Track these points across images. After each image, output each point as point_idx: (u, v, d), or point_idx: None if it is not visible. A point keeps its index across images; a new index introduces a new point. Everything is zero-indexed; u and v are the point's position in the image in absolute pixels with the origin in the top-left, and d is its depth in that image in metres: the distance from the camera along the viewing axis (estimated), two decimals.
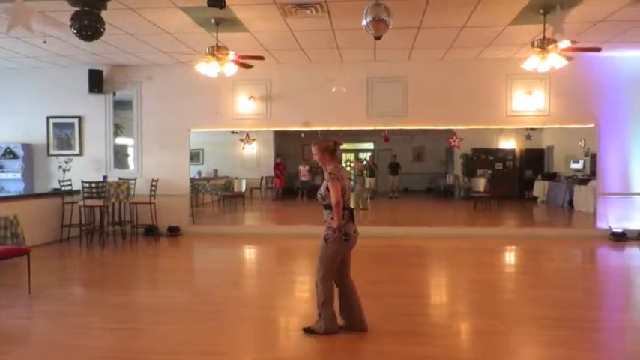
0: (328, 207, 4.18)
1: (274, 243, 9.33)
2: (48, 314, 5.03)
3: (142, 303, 5.55)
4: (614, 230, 9.08)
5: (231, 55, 7.26)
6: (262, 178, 17.49)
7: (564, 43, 6.69)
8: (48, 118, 10.18)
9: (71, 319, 4.85)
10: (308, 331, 4.29)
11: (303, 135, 17.04)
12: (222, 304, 5.32)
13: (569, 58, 7.02)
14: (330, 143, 4.32)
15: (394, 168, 17.98)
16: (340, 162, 4.37)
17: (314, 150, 4.30)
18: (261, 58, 7.61)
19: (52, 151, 10.21)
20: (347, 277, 4.37)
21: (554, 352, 4.02)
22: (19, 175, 10.17)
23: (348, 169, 20.21)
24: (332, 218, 4.14)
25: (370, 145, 21.18)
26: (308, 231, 9.74)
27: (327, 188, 4.14)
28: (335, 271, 4.27)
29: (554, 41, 6.67)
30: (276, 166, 17.85)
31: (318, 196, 4.28)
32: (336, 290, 4.35)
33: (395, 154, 18.40)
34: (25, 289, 5.59)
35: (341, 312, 4.37)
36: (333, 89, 9.36)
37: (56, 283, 6.40)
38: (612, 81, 9.27)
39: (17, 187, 10.14)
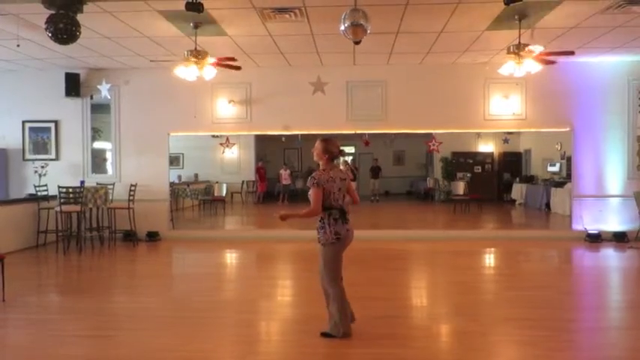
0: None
1: (255, 247, 9.28)
2: (23, 322, 4.93)
3: (120, 309, 5.48)
4: (589, 232, 9.26)
5: (210, 60, 7.21)
6: (243, 182, 17.41)
7: (538, 48, 6.82)
8: (23, 122, 9.99)
9: (47, 327, 4.76)
10: (326, 335, 4.28)
11: (283, 139, 17.04)
12: (202, 310, 5.27)
13: (550, 62, 7.16)
14: (336, 149, 4.35)
15: (375, 171, 18.08)
16: (333, 167, 4.40)
17: (318, 145, 4.32)
18: (237, 68, 7.60)
19: (27, 156, 10.03)
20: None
21: (531, 352, 4.08)
22: None
23: None
24: (320, 222, 4.23)
25: (351, 149, 21.24)
26: (289, 235, 9.75)
27: None
28: (340, 271, 4.32)
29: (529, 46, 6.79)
30: (258, 170, 17.80)
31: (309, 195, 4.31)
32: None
33: (376, 158, 18.50)
34: None
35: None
36: (313, 94, 9.38)
37: (31, 290, 6.28)
38: (586, 85, 9.47)
39: None
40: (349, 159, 19.19)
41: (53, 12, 5.57)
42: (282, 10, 6.48)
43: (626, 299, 5.89)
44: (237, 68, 7.66)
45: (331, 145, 4.32)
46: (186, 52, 7.12)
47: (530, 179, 16.32)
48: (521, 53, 6.80)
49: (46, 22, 5.57)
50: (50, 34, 5.61)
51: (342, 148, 4.47)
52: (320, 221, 4.23)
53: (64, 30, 5.56)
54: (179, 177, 15.80)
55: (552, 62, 7.22)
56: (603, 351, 4.18)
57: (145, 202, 9.58)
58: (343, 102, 9.75)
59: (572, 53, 6.94)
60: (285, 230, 9.64)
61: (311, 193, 4.16)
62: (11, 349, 4.38)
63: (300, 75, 9.65)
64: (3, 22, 6.72)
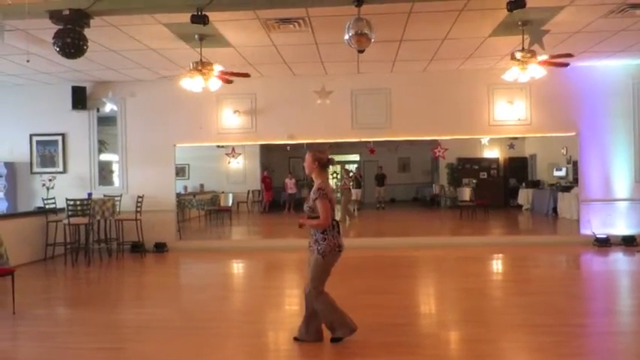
0: (317, 218, 4.25)
1: (262, 257, 9.29)
2: (33, 335, 4.95)
3: (129, 321, 5.48)
4: (597, 236, 9.20)
5: (217, 69, 7.25)
6: (249, 191, 17.46)
7: (541, 56, 6.83)
8: (31, 136, 10.09)
9: (56, 339, 4.77)
10: (336, 340, 4.31)
11: (289, 148, 17.10)
12: (211, 320, 5.28)
13: (562, 64, 7.15)
14: (325, 157, 4.37)
15: (380, 179, 18.08)
16: (327, 176, 4.43)
17: (307, 156, 4.36)
18: (246, 75, 7.65)
19: (35, 169, 10.11)
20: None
21: (541, 358, 4.06)
22: (1, 194, 10.03)
23: (336, 181, 20.29)
24: (321, 233, 4.22)
25: (356, 157, 21.28)
26: (296, 244, 9.72)
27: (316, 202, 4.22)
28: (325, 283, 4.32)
29: (533, 52, 6.80)
30: (263, 179, 17.85)
31: (306, 208, 4.35)
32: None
33: (381, 165, 18.52)
34: (10, 310, 5.50)
35: (305, 321, 4.43)
36: (318, 101, 9.42)
37: (41, 303, 6.30)
38: (591, 89, 9.46)
39: (0, 207, 9.99)
40: (354, 167, 19.20)
41: (61, 27, 5.64)
42: (285, 21, 6.53)
43: (636, 304, 5.84)
44: (246, 75, 7.69)
45: (317, 152, 4.36)
46: (191, 64, 7.18)
47: (536, 184, 16.27)
48: (524, 59, 6.80)
49: (54, 37, 5.63)
50: (58, 49, 5.67)
51: (331, 156, 4.48)
52: (322, 232, 4.23)
53: (71, 44, 5.62)
54: (185, 188, 15.87)
55: (565, 65, 7.18)
56: (614, 356, 4.15)
57: (152, 213, 9.62)
58: (348, 110, 9.79)
59: (570, 56, 6.92)
60: (292, 239, 9.66)
61: (320, 205, 4.17)
62: None
63: (304, 84, 9.69)
64: (11, 38, 6.80)
